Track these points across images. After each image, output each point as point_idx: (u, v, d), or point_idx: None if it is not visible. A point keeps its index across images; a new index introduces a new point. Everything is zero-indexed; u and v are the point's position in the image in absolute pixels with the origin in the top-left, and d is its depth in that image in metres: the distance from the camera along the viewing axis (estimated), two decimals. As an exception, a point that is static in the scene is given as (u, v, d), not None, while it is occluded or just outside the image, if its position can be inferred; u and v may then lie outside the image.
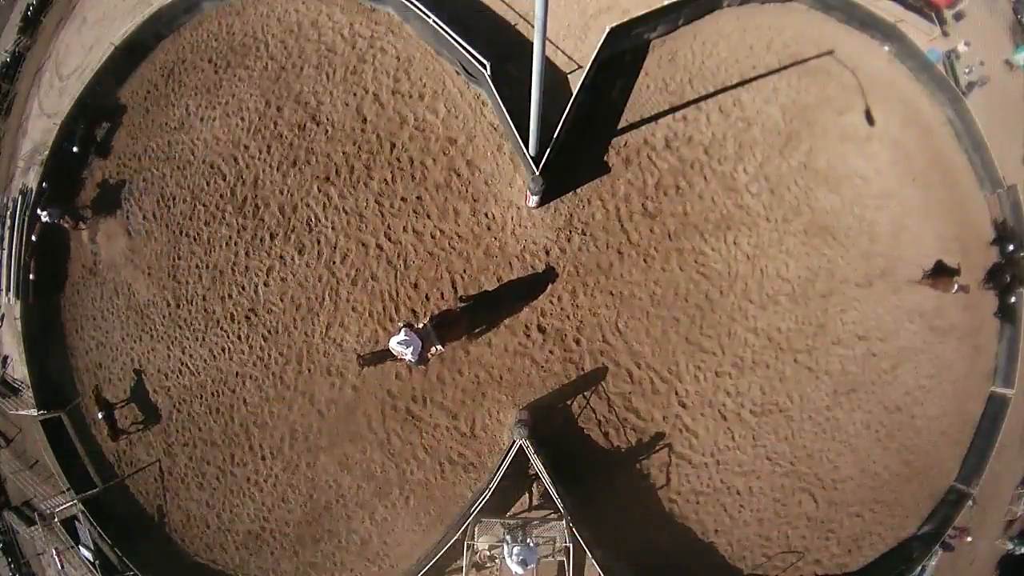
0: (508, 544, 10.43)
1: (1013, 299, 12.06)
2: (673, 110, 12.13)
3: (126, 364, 12.29)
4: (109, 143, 13.00)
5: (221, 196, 12.42)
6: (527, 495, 11.49)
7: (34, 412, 12.10)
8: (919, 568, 11.64)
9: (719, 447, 11.53)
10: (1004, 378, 12.21)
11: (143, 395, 12.21)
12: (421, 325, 10.55)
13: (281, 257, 12.09)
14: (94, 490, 11.96)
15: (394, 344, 10.24)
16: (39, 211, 12.32)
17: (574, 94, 11.48)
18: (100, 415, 11.80)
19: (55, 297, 12.68)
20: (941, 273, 11.87)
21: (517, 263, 11.69)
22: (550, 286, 11.68)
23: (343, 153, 12.26)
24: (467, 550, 10.69)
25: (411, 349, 10.15)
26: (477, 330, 11.52)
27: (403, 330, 10.17)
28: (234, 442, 11.93)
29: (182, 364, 12.15)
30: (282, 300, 11.99)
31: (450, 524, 11.34)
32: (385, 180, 12.10)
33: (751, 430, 11.58)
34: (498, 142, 12.04)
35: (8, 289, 12.67)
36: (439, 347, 10.76)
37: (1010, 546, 12.28)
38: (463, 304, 11.41)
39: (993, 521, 12.47)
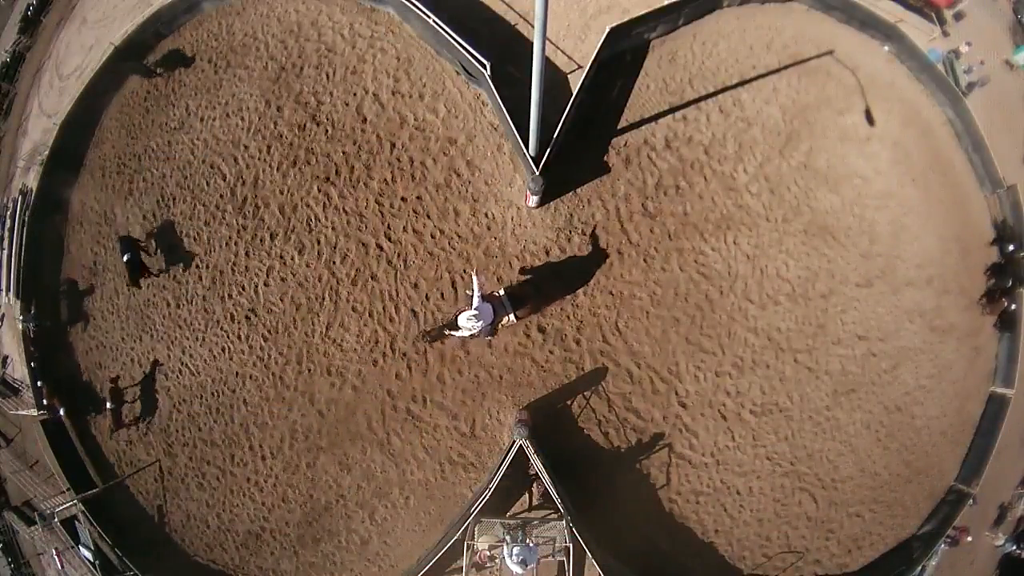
0: (508, 544, 10.43)
1: (1013, 306, 12.09)
2: (673, 110, 12.14)
3: (126, 364, 12.27)
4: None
5: (221, 196, 12.42)
6: (527, 495, 11.49)
7: (34, 412, 12.09)
8: (919, 568, 11.64)
9: (719, 447, 11.53)
10: (1004, 378, 12.22)
11: (149, 393, 12.19)
12: (500, 293, 10.44)
13: (281, 257, 12.09)
14: (94, 490, 11.94)
15: (464, 320, 10.10)
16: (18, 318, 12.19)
17: (574, 94, 11.48)
18: (109, 406, 11.77)
19: (55, 297, 12.67)
20: (992, 297, 12.13)
21: (517, 263, 11.69)
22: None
23: (343, 153, 12.26)
24: (467, 550, 10.68)
25: (482, 322, 10.07)
26: (544, 307, 11.51)
27: (476, 297, 10.02)
28: (234, 442, 11.92)
29: (182, 364, 12.15)
30: (282, 300, 11.98)
31: (450, 524, 11.33)
32: (385, 180, 12.10)
33: (751, 430, 11.57)
34: (498, 142, 12.04)
35: (8, 289, 12.66)
36: (512, 317, 10.67)
37: (1000, 541, 12.28)
38: (528, 280, 11.42)
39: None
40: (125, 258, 11.81)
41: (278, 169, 12.34)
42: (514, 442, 10.49)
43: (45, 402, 11.98)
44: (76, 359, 12.46)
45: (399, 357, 11.63)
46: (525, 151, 11.16)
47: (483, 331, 10.28)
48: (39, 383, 12.03)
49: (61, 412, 11.94)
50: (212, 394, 12.03)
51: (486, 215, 11.88)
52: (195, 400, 12.07)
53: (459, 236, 11.83)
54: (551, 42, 11.97)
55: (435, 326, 11.40)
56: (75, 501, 11.77)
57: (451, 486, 11.51)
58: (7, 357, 13.04)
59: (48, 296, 12.62)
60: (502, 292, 10.51)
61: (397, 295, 11.78)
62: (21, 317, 12.17)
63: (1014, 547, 12.23)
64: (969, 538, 12.08)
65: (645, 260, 11.77)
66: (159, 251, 12.33)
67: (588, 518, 11.11)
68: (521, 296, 10.82)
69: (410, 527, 11.57)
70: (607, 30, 11.44)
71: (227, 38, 13.04)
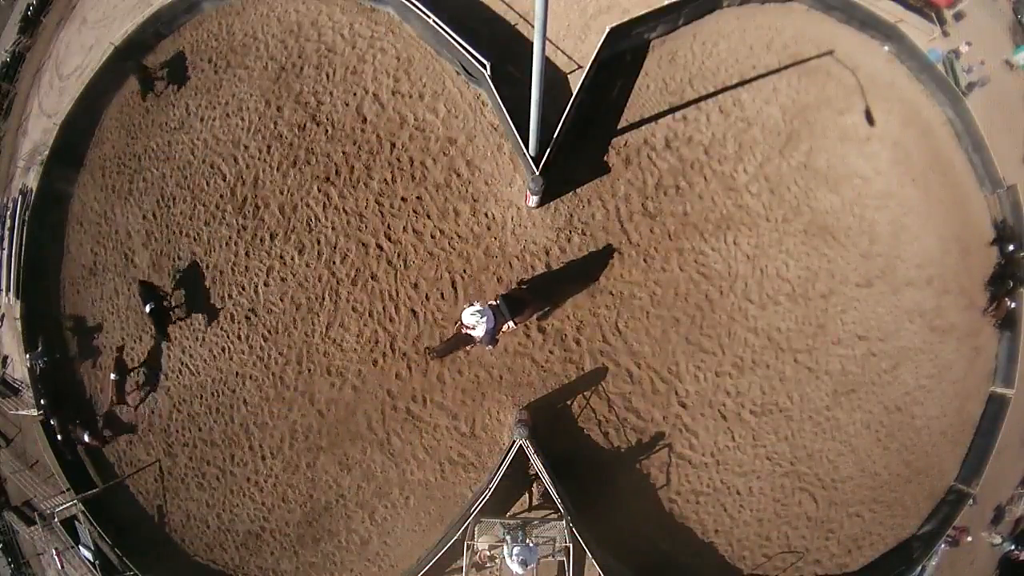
0: (508, 544, 10.42)
1: (1013, 304, 12.09)
2: (673, 110, 12.14)
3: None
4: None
5: (221, 196, 12.42)
6: (527, 495, 11.49)
7: (34, 412, 12.09)
8: (919, 568, 11.64)
9: (719, 447, 11.53)
10: (1004, 378, 12.22)
11: (152, 381, 12.17)
12: (494, 302, 10.40)
13: (281, 257, 12.09)
14: (94, 490, 11.95)
15: (467, 315, 9.99)
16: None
17: (574, 94, 11.48)
18: (113, 377, 11.62)
19: (55, 297, 12.67)
20: (997, 300, 12.15)
21: (517, 263, 11.69)
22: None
23: (343, 153, 12.26)
24: (467, 550, 10.67)
25: (485, 319, 9.97)
26: (543, 311, 11.46)
27: (477, 301, 10.00)
28: (234, 442, 11.92)
29: (182, 364, 12.15)
30: (282, 300, 11.98)
31: (450, 524, 11.33)
32: (385, 180, 12.10)
33: (751, 430, 11.57)
34: (498, 142, 12.04)
35: (8, 289, 12.66)
36: (512, 323, 10.60)
37: (997, 540, 12.29)
38: (525, 287, 11.40)
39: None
40: (148, 309, 11.58)
41: (278, 169, 12.34)
42: (514, 442, 10.48)
43: (60, 437, 11.84)
44: (77, 363, 12.48)
45: (399, 357, 11.64)
46: (525, 151, 11.16)
47: (487, 335, 10.25)
48: (52, 421, 11.84)
49: (87, 438, 11.74)
50: (212, 394, 12.03)
51: (486, 215, 11.88)
52: (195, 400, 12.07)
53: (459, 236, 11.83)
54: (551, 42, 11.97)
55: (441, 342, 11.34)
56: (75, 501, 11.77)
57: (451, 486, 11.51)
58: (7, 357, 13.05)
59: (52, 323, 12.57)
60: (497, 300, 10.48)
61: (397, 295, 11.78)
62: (28, 356, 12.01)
63: (1013, 547, 12.25)
64: (969, 538, 12.09)
65: (645, 260, 11.76)
66: (176, 286, 12.16)
67: (588, 518, 11.11)
68: (519, 300, 10.81)
69: (410, 527, 11.57)
70: (607, 30, 11.43)
71: (227, 38, 13.04)
